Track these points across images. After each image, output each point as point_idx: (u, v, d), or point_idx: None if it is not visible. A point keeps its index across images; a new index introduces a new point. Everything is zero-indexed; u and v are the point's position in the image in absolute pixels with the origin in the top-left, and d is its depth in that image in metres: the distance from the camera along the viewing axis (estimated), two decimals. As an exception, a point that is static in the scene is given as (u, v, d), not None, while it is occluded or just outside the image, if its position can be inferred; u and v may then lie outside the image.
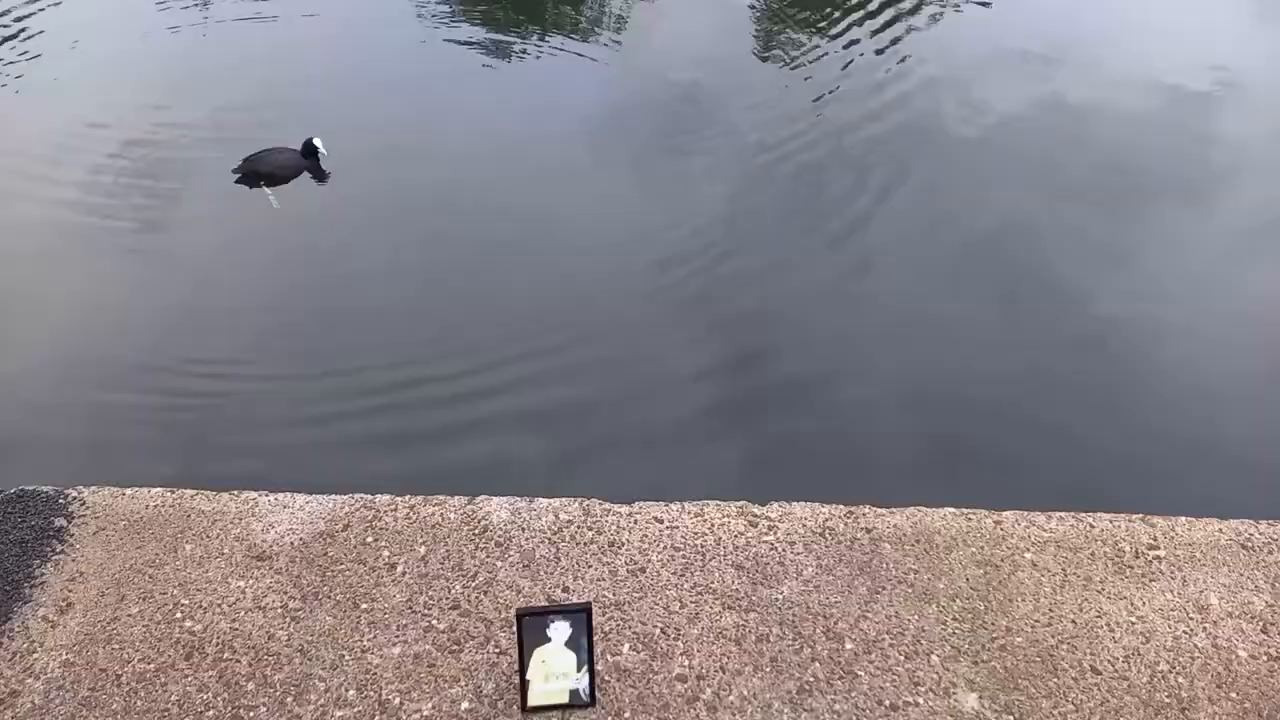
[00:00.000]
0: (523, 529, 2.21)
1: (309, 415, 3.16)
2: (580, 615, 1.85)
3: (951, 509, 2.26)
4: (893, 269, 3.74)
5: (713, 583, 2.08)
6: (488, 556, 2.14)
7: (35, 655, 1.94)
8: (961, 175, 4.25)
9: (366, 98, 4.81)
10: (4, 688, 1.88)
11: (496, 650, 1.94)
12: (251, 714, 1.84)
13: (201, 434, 3.06)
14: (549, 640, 1.83)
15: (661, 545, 2.17)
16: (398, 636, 1.97)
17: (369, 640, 1.97)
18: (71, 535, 2.20)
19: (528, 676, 1.83)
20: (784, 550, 2.16)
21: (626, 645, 1.96)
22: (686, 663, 1.92)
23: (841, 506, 2.27)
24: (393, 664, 1.92)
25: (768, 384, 3.23)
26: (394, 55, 5.21)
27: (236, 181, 4.21)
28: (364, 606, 2.03)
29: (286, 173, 4.25)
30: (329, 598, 2.06)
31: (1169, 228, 4.02)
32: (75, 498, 2.29)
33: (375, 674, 1.90)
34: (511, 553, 2.15)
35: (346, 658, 1.94)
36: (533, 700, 1.83)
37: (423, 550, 2.16)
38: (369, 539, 2.19)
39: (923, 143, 4.44)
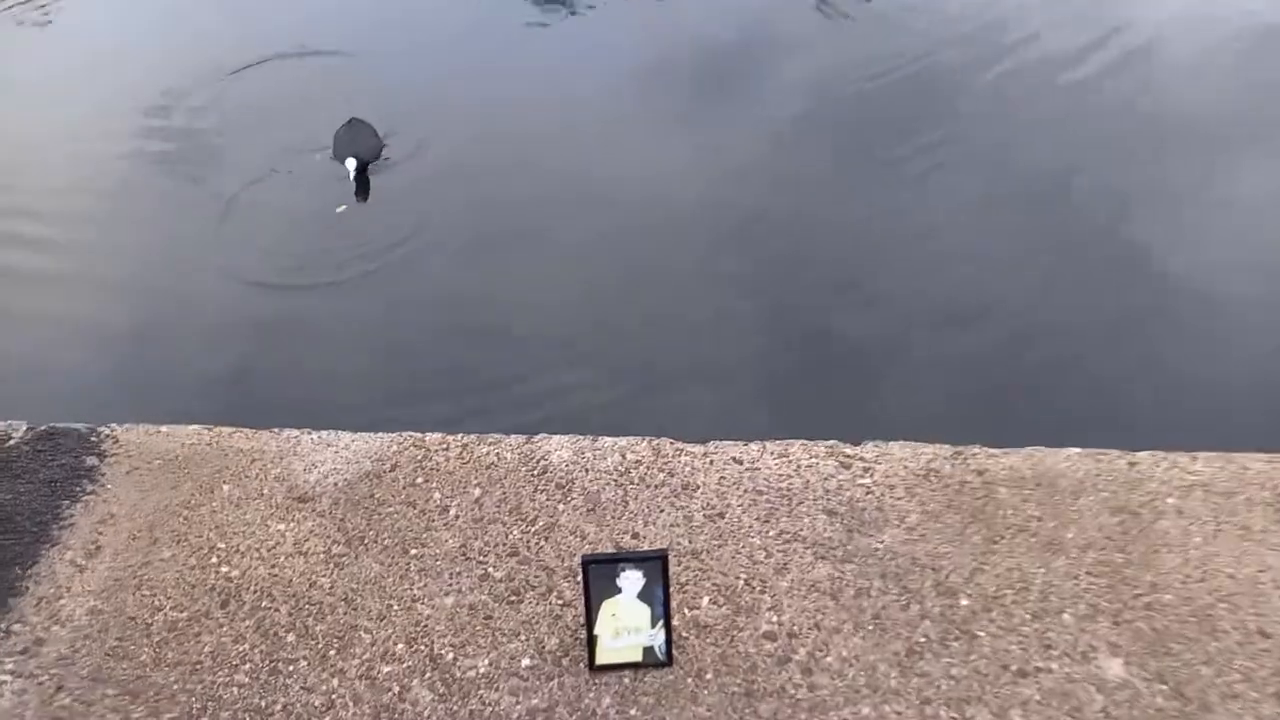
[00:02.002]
0: (586, 470, 1.98)
1: (358, 351, 2.97)
2: (655, 564, 1.62)
3: (1076, 449, 1.96)
4: (998, 205, 3.37)
5: (802, 530, 1.83)
6: (548, 499, 1.93)
7: (62, 601, 1.79)
8: (1053, 119, 3.81)
9: (406, 55, 4.52)
10: (30, 635, 1.73)
11: (560, 601, 1.73)
12: (291, 668, 1.66)
13: (245, 369, 2.90)
14: (619, 591, 1.61)
15: (741, 488, 1.93)
16: (450, 585, 1.77)
17: (419, 589, 1.77)
18: (103, 475, 2.04)
19: (595, 631, 1.61)
20: (882, 494, 1.89)
21: (706, 598, 1.72)
22: (775, 619, 1.68)
23: (947, 446, 1.99)
24: (445, 615, 1.72)
25: (853, 319, 2.94)
26: (434, 9, 4.88)
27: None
28: (413, 552, 1.84)
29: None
30: (375, 543, 1.86)
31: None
32: (108, 435, 2.13)
33: (426, 626, 1.71)
34: (574, 495, 1.93)
35: (394, 608, 1.74)
36: (601, 658, 1.61)
37: (477, 492, 1.95)
38: (419, 480, 1.99)
39: (1000, 88, 4.00)
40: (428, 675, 1.63)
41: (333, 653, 1.68)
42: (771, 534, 1.83)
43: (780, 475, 1.95)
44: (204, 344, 3.05)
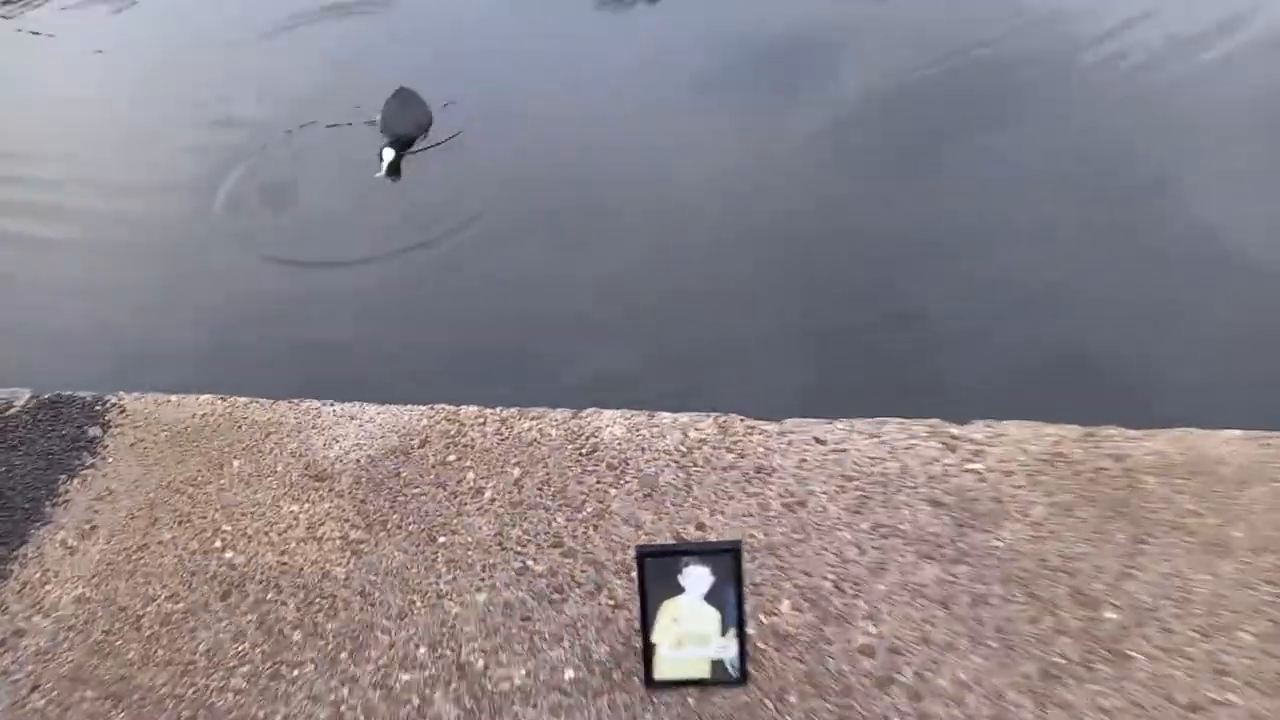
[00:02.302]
0: (642, 449, 1.71)
1: (391, 329, 2.74)
2: (725, 558, 1.33)
3: (1238, 431, 1.62)
4: (1110, 180, 2.99)
5: (901, 523, 1.53)
6: (598, 482, 1.65)
7: (48, 587, 1.58)
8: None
9: (461, 20, 4.28)
10: (9, 625, 1.52)
11: (610, 602, 1.46)
12: (295, 672, 1.41)
13: (271, 345, 2.69)
14: (682, 591, 1.33)
15: (826, 473, 1.63)
16: (483, 580, 1.51)
17: (447, 583, 1.51)
18: (105, 446, 1.83)
19: (653, 639, 1.33)
20: (999, 482, 1.58)
21: (786, 602, 1.43)
22: (873, 629, 1.38)
23: (1076, 427, 1.67)
24: (476, 615, 1.46)
25: (948, 293, 2.60)
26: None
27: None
28: (442, 540, 1.58)
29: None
30: (399, 528, 1.61)
31: None
32: (114, 404, 1.93)
33: (453, 627, 1.45)
34: (628, 478, 1.65)
35: (418, 604, 1.49)
36: (660, 672, 1.33)
37: (516, 473, 1.69)
38: (451, 458, 1.74)
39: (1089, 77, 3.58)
40: (453, 686, 1.37)
41: (344, 656, 1.43)
42: (864, 527, 1.53)
43: (873, 458, 1.65)
44: (229, 319, 2.85)
